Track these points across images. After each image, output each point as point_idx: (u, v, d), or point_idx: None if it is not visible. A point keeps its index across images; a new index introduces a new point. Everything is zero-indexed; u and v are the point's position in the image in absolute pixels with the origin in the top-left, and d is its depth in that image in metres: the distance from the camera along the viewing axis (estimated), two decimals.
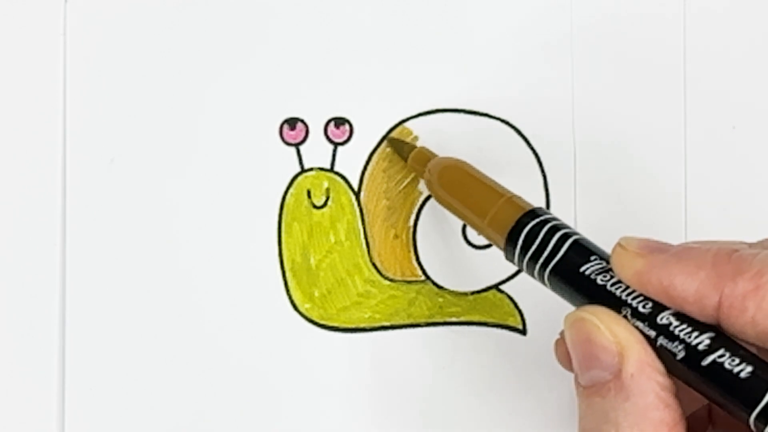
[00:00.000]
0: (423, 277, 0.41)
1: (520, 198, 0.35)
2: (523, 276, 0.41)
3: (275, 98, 0.41)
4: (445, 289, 0.41)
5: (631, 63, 0.42)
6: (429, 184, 0.38)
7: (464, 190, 0.37)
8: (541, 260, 0.33)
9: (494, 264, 0.41)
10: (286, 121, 0.41)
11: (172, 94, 0.41)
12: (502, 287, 0.41)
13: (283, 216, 0.41)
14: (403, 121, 0.41)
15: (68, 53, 0.40)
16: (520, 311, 0.41)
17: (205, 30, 0.41)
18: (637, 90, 0.42)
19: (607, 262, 0.31)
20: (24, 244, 0.40)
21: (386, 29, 0.41)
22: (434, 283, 0.41)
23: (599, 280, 0.31)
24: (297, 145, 0.41)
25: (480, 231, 0.36)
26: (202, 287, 0.40)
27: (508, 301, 0.41)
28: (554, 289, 0.33)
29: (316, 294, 0.41)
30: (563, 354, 0.32)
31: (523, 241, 0.33)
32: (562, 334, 0.33)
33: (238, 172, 0.41)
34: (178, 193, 0.41)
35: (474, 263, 0.41)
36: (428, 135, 0.41)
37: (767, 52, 0.42)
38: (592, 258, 0.32)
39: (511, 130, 0.41)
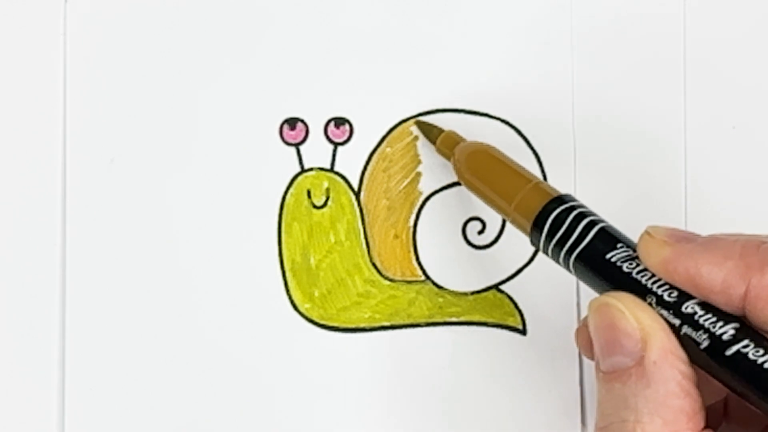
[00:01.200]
0: (423, 277, 0.41)
1: (547, 184, 0.35)
2: (524, 276, 0.41)
3: (275, 98, 0.41)
4: (445, 289, 0.41)
5: (631, 63, 0.42)
6: (456, 168, 0.38)
7: (491, 174, 0.37)
8: (567, 246, 0.33)
9: (494, 264, 0.41)
10: (286, 121, 0.41)
11: (172, 94, 0.41)
12: (502, 287, 0.41)
13: (283, 216, 0.41)
14: (403, 120, 0.41)
15: (68, 53, 0.40)
16: (520, 311, 0.41)
17: (204, 30, 0.41)
18: (637, 90, 0.42)
19: (634, 250, 0.32)
20: (24, 244, 0.40)
21: (386, 29, 0.41)
22: (434, 283, 0.41)
23: (625, 267, 0.31)
24: (297, 145, 0.41)
25: (506, 216, 0.36)
26: (202, 287, 0.40)
27: (508, 301, 0.41)
28: (579, 275, 0.33)
29: (316, 294, 0.41)
30: (585, 341, 0.32)
31: (550, 227, 0.33)
32: (583, 321, 0.33)
33: (238, 172, 0.41)
34: (178, 193, 0.41)
35: (474, 263, 0.41)
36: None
37: (767, 52, 0.42)
38: (619, 245, 0.32)
39: (511, 130, 0.41)
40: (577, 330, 0.34)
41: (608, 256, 0.32)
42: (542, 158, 0.41)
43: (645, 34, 0.42)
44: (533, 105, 0.41)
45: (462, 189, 0.41)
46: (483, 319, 0.41)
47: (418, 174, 0.41)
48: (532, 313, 0.41)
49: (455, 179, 0.41)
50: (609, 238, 0.32)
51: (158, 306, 0.40)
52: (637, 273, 0.31)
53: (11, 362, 0.40)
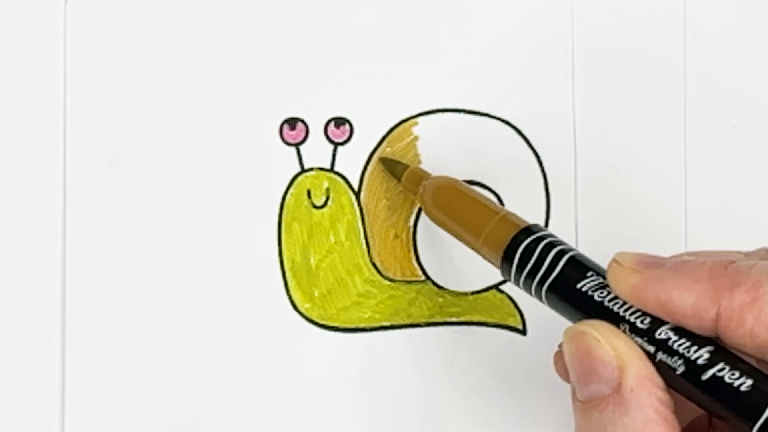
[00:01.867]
0: (423, 277, 0.41)
1: (514, 215, 0.35)
2: None
3: (275, 98, 0.41)
4: (445, 289, 0.41)
5: (631, 63, 0.42)
6: (423, 205, 0.38)
7: (458, 209, 0.37)
8: (538, 277, 0.33)
9: None
10: (286, 121, 0.41)
11: (172, 94, 0.41)
12: (502, 287, 0.41)
13: (283, 216, 0.41)
14: (404, 121, 0.41)
15: (68, 53, 0.40)
16: (520, 311, 0.41)
17: (205, 30, 0.41)
18: (637, 90, 0.42)
19: (604, 278, 0.31)
20: (24, 244, 0.40)
21: (386, 29, 0.41)
22: (434, 283, 0.41)
23: (596, 296, 0.31)
24: (297, 145, 0.41)
25: (476, 250, 0.36)
26: (202, 287, 0.40)
27: (508, 301, 0.41)
28: (552, 306, 0.33)
29: (316, 294, 0.41)
30: (562, 367, 0.32)
31: (519, 259, 0.33)
32: (560, 347, 0.33)
33: (238, 172, 0.41)
34: (178, 193, 0.41)
35: (474, 263, 0.41)
36: (428, 135, 0.41)
37: (767, 52, 0.42)
38: (589, 274, 0.32)
39: (511, 130, 0.41)
40: (555, 355, 0.34)
41: (579, 285, 0.32)
42: (542, 158, 0.41)
43: (645, 34, 0.42)
44: (533, 105, 0.41)
45: None
46: (483, 319, 0.41)
47: None
48: (532, 313, 0.41)
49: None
50: (579, 266, 0.32)
51: (158, 306, 0.40)
52: (609, 301, 0.31)
53: (12, 362, 0.40)
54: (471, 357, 0.41)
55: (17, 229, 0.40)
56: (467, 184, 0.38)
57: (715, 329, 0.29)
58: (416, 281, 0.41)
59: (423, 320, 0.41)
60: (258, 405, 0.40)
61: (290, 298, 0.41)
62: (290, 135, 0.41)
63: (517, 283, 0.34)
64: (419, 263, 0.41)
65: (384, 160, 0.41)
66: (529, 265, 0.33)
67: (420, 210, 0.41)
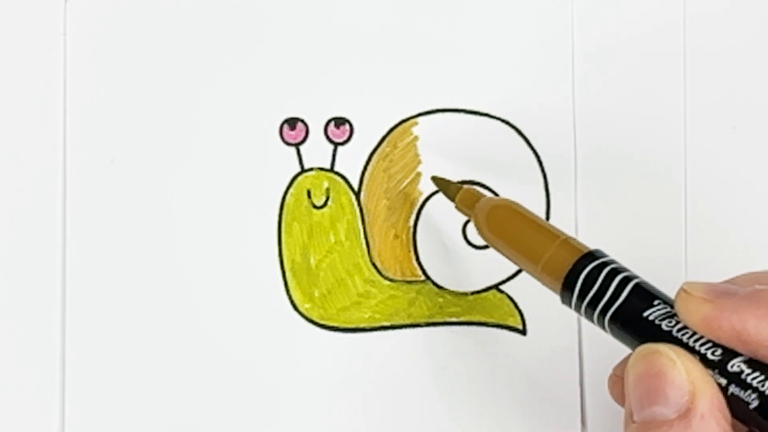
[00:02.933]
0: (423, 277, 0.41)
1: (575, 240, 0.34)
2: (524, 276, 0.41)
3: (275, 98, 0.41)
4: (445, 289, 0.41)
5: (631, 63, 0.42)
6: (477, 227, 0.37)
7: (515, 232, 0.35)
8: (601, 305, 0.32)
9: (494, 264, 0.41)
10: (286, 121, 0.41)
11: (172, 94, 0.41)
12: (502, 287, 0.41)
13: (283, 216, 0.41)
14: (404, 120, 0.41)
15: (68, 53, 0.40)
16: (520, 311, 0.41)
17: (205, 30, 0.41)
18: (637, 90, 0.42)
19: (671, 307, 0.30)
20: (24, 244, 0.40)
21: (386, 29, 0.41)
22: (434, 283, 0.41)
23: (664, 325, 0.30)
24: (297, 145, 0.41)
25: (534, 275, 0.34)
26: (202, 287, 0.40)
27: (508, 301, 0.41)
28: (615, 335, 0.32)
29: (316, 294, 0.41)
30: (618, 390, 0.31)
31: (581, 286, 0.32)
32: (615, 370, 0.32)
33: (238, 172, 0.41)
34: (178, 193, 0.41)
35: (474, 263, 0.41)
36: (428, 135, 0.41)
37: (767, 52, 0.42)
38: (656, 302, 0.31)
39: (511, 130, 0.41)
40: (610, 378, 0.33)
41: (646, 314, 0.31)
42: (542, 158, 0.41)
43: (645, 33, 0.42)
44: (533, 105, 0.41)
45: None
46: (483, 319, 0.41)
47: (418, 174, 0.41)
48: (532, 313, 0.41)
49: (455, 179, 0.41)
50: (645, 294, 0.31)
51: (158, 306, 0.40)
52: (678, 331, 0.30)
53: (12, 362, 0.40)
54: (471, 357, 0.41)
55: (17, 229, 0.40)
56: (524, 207, 0.36)
57: None
58: (416, 281, 0.41)
59: (423, 320, 0.41)
60: (258, 405, 0.40)
61: (290, 298, 0.41)
62: (290, 135, 0.41)
63: (578, 310, 0.33)
64: (419, 263, 0.41)
65: (436, 180, 0.40)
66: (592, 293, 0.32)
67: (420, 210, 0.41)
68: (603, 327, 0.32)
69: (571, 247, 0.33)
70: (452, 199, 0.39)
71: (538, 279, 0.34)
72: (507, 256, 0.36)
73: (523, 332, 0.41)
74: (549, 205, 0.41)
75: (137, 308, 0.40)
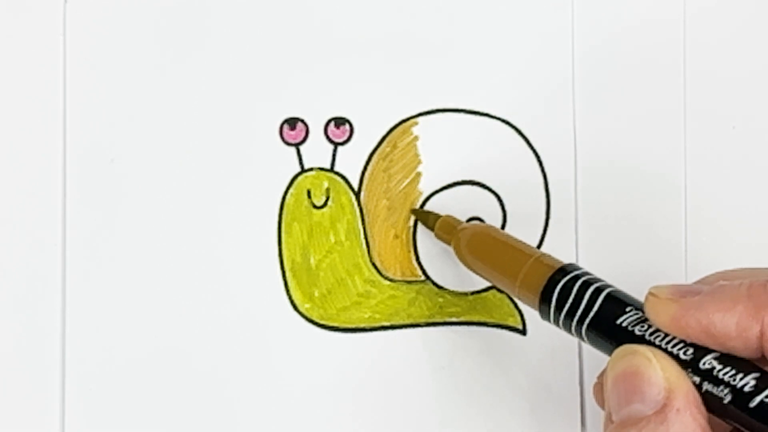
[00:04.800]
0: (423, 277, 0.41)
1: (549, 256, 0.35)
2: None
3: (275, 98, 0.41)
4: (445, 289, 0.41)
5: (631, 63, 0.42)
6: (458, 252, 0.39)
7: (493, 254, 0.37)
8: (577, 316, 0.33)
9: None
10: (286, 121, 0.41)
11: (172, 94, 0.41)
12: None
13: (283, 216, 0.41)
14: (403, 120, 0.41)
15: (68, 53, 0.40)
16: (520, 311, 0.41)
17: (204, 30, 0.41)
18: (637, 90, 0.42)
19: (643, 312, 0.31)
20: (24, 244, 0.40)
21: (386, 29, 0.41)
22: (434, 283, 0.41)
23: (637, 330, 0.31)
24: (297, 145, 0.41)
25: (513, 293, 0.36)
26: (202, 287, 0.40)
27: (508, 301, 0.41)
28: (593, 344, 0.33)
29: (316, 294, 0.41)
30: (602, 396, 0.31)
31: (557, 299, 0.33)
32: (599, 377, 0.33)
33: (238, 172, 0.41)
34: (178, 193, 0.41)
35: None
36: (428, 135, 0.41)
37: (767, 52, 0.42)
38: (628, 309, 0.32)
39: (511, 130, 0.41)
40: (594, 386, 0.34)
41: (619, 321, 0.32)
42: (542, 158, 0.41)
43: (645, 34, 0.42)
44: (533, 105, 0.41)
45: (462, 189, 0.41)
46: (483, 319, 0.41)
47: (418, 174, 0.41)
48: (532, 313, 0.41)
49: (455, 179, 0.41)
50: (617, 302, 0.32)
51: (158, 306, 0.40)
52: (651, 335, 0.31)
53: (12, 362, 0.40)
54: (471, 357, 0.41)
55: (17, 228, 0.40)
56: (500, 230, 0.38)
57: (761, 347, 0.29)
58: (416, 281, 0.41)
59: (423, 320, 0.41)
60: (258, 405, 0.40)
61: (290, 298, 0.41)
62: (290, 135, 0.41)
63: (556, 323, 0.34)
64: (419, 263, 0.41)
65: (415, 212, 0.41)
66: (567, 305, 0.33)
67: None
68: (581, 337, 0.33)
69: (545, 263, 0.35)
70: (431, 229, 0.40)
71: (518, 297, 0.36)
72: (487, 279, 0.38)
73: (523, 332, 0.41)
74: (549, 205, 0.41)
75: (137, 308, 0.40)
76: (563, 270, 0.34)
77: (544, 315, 0.34)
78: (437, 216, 0.40)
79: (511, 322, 0.41)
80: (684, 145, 0.42)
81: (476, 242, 0.38)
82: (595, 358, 0.41)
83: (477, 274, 0.38)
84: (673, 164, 0.42)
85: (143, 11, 0.41)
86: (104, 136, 0.40)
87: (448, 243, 0.39)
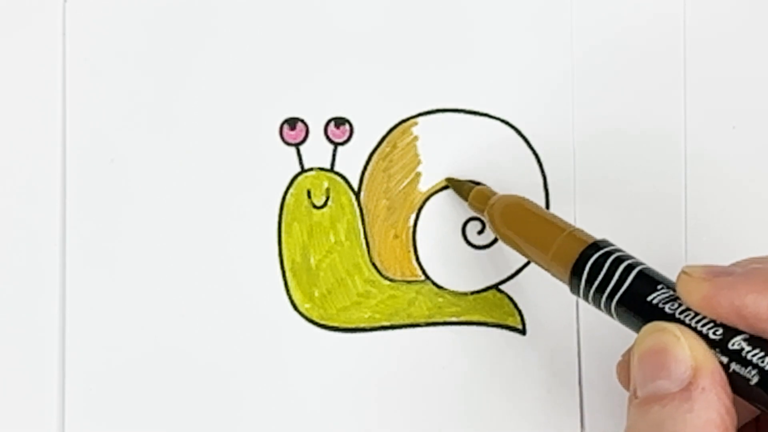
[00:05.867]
0: (423, 277, 0.41)
1: (581, 231, 0.35)
2: (523, 276, 0.41)
3: (275, 98, 0.41)
4: (445, 289, 0.41)
5: (631, 63, 0.42)
6: (491, 223, 0.38)
7: (526, 226, 0.37)
8: (607, 292, 0.33)
9: (494, 264, 0.41)
10: (286, 121, 0.41)
11: (171, 94, 0.41)
12: (502, 287, 0.41)
13: (283, 216, 0.41)
14: (403, 120, 0.41)
15: (68, 53, 0.40)
16: (520, 311, 0.41)
17: (204, 30, 0.41)
18: (637, 90, 0.42)
19: (674, 291, 0.31)
20: (24, 244, 0.40)
21: (386, 29, 0.41)
22: (434, 283, 0.41)
23: (667, 308, 0.31)
24: (297, 145, 0.41)
25: (544, 266, 0.36)
26: (202, 287, 0.40)
27: (507, 301, 0.41)
28: (622, 320, 0.33)
29: (316, 294, 0.41)
30: (626, 375, 0.32)
31: (588, 274, 0.33)
32: (624, 356, 0.33)
33: (238, 172, 0.41)
34: (177, 193, 0.41)
35: (474, 263, 0.41)
36: (428, 135, 0.41)
37: (767, 52, 0.42)
38: (659, 287, 0.32)
39: (511, 130, 0.41)
40: (619, 364, 0.34)
41: (650, 298, 0.32)
42: (542, 158, 0.41)
43: (645, 33, 0.42)
44: (533, 105, 0.41)
45: None
46: (483, 319, 0.41)
47: (418, 174, 0.41)
48: (532, 313, 0.41)
49: (455, 179, 0.41)
50: (649, 280, 0.32)
51: (158, 306, 0.40)
52: (681, 313, 0.31)
53: (11, 362, 0.40)
54: (471, 357, 0.41)
55: (17, 228, 0.40)
56: (534, 202, 0.38)
57: None
58: (416, 281, 0.41)
59: (423, 320, 0.41)
60: (258, 405, 0.40)
61: (290, 298, 0.41)
62: (290, 135, 0.41)
63: (586, 298, 0.34)
64: (419, 263, 0.41)
65: (450, 180, 0.41)
66: (598, 280, 0.33)
67: (420, 210, 0.41)
68: (610, 313, 0.33)
69: (578, 238, 0.35)
70: (465, 198, 0.40)
71: (548, 270, 0.36)
72: (518, 250, 0.38)
73: (523, 332, 0.41)
74: (549, 205, 0.41)
75: (137, 308, 0.40)
76: (596, 245, 0.34)
77: (574, 289, 0.34)
78: (471, 186, 0.40)
79: (510, 322, 0.41)
80: (684, 144, 0.42)
81: (510, 213, 0.38)
82: (595, 358, 0.41)
83: (509, 245, 0.38)
84: (673, 164, 0.42)
85: (143, 11, 0.41)
86: (104, 136, 0.40)
87: (481, 213, 0.39)
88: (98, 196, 0.40)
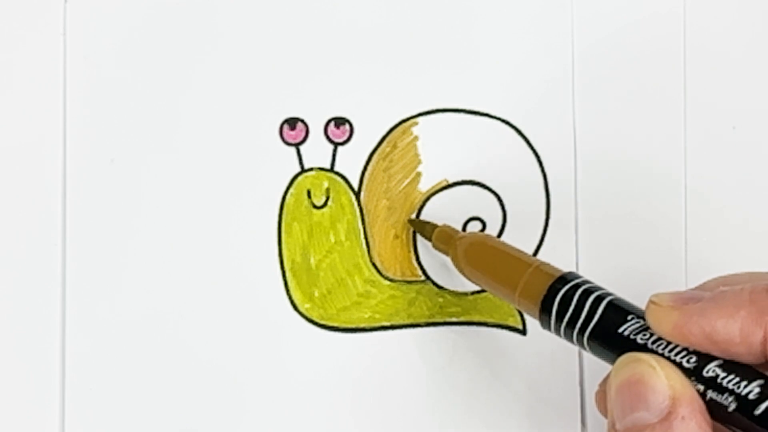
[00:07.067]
0: (423, 277, 0.41)
1: (548, 265, 0.35)
2: None
3: (275, 98, 0.41)
4: (445, 289, 0.41)
5: (631, 63, 0.42)
6: (455, 262, 0.38)
7: (491, 264, 0.37)
8: (578, 325, 0.32)
9: None
10: (286, 121, 0.41)
11: (171, 94, 0.41)
12: None
13: (283, 216, 0.41)
14: (403, 120, 0.41)
15: (68, 53, 0.40)
16: (520, 312, 0.41)
17: (205, 30, 0.41)
18: (637, 90, 0.42)
19: (645, 320, 0.31)
20: (24, 244, 0.40)
21: (386, 29, 0.41)
22: (434, 283, 0.41)
23: (639, 339, 0.31)
24: (297, 145, 0.41)
25: (513, 303, 0.35)
26: (202, 287, 0.40)
27: None
28: (595, 353, 0.32)
29: (316, 294, 0.41)
30: (605, 404, 0.31)
31: (558, 309, 0.33)
32: (601, 385, 0.33)
33: (238, 172, 0.41)
34: (177, 193, 0.41)
35: None
36: (428, 135, 0.41)
37: (767, 52, 0.42)
38: (629, 318, 0.31)
39: (511, 130, 0.41)
40: (596, 393, 0.33)
41: (621, 329, 0.31)
42: (542, 158, 0.41)
43: (645, 33, 0.42)
44: (533, 105, 0.41)
45: (462, 189, 0.41)
46: (483, 319, 0.41)
47: (418, 174, 0.41)
48: None
49: (455, 179, 0.41)
50: (618, 311, 0.32)
51: (158, 306, 0.40)
52: (653, 343, 0.30)
53: (11, 362, 0.40)
54: (471, 357, 0.41)
55: (17, 228, 0.40)
56: (498, 239, 0.38)
57: (765, 352, 0.28)
58: (416, 281, 0.41)
59: (423, 320, 0.41)
60: (258, 405, 0.40)
61: (290, 298, 0.41)
62: (290, 135, 0.41)
63: (558, 333, 0.33)
64: (419, 263, 0.41)
65: (412, 222, 0.41)
66: (568, 315, 0.33)
67: (420, 210, 0.41)
68: (583, 346, 0.33)
69: (544, 272, 0.34)
70: (429, 239, 0.40)
71: (518, 307, 0.35)
72: (487, 288, 0.37)
73: (523, 332, 0.41)
74: (549, 205, 0.41)
75: (137, 308, 0.40)
76: (563, 279, 0.33)
77: (545, 325, 0.34)
78: (434, 226, 0.40)
79: (511, 323, 0.41)
80: (684, 145, 0.42)
81: (474, 252, 0.37)
82: (595, 359, 0.41)
83: (476, 284, 0.38)
84: (674, 164, 0.42)
85: (143, 11, 0.41)
86: (104, 136, 0.40)
87: (446, 254, 0.39)
88: (98, 197, 0.40)
